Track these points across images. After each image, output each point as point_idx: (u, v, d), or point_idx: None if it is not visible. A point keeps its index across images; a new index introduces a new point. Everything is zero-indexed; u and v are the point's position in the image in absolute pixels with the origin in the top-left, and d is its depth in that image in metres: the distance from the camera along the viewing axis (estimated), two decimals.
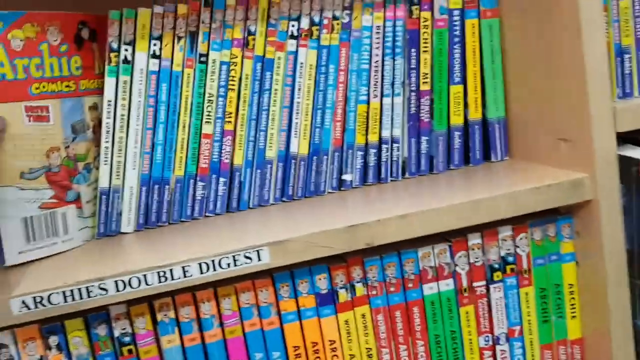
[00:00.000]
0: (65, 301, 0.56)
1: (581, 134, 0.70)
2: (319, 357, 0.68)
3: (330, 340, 0.68)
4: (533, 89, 0.77)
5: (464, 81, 0.81)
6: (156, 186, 0.73)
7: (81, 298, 0.56)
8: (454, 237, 0.71)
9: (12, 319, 0.55)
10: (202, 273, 0.59)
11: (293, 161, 0.77)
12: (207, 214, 0.75)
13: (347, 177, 0.79)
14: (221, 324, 0.65)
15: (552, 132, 0.75)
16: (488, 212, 0.67)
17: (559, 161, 0.74)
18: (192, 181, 0.74)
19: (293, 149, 0.77)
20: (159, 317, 0.63)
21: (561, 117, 0.73)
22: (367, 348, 0.69)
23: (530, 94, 0.78)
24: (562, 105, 0.72)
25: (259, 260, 0.61)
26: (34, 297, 0.55)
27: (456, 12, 0.79)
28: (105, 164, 0.71)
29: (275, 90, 0.75)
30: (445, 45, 0.79)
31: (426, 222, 0.65)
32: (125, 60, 0.70)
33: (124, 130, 0.71)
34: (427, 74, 0.79)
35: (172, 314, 0.64)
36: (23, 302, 0.55)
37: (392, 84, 0.79)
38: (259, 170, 0.76)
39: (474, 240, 0.71)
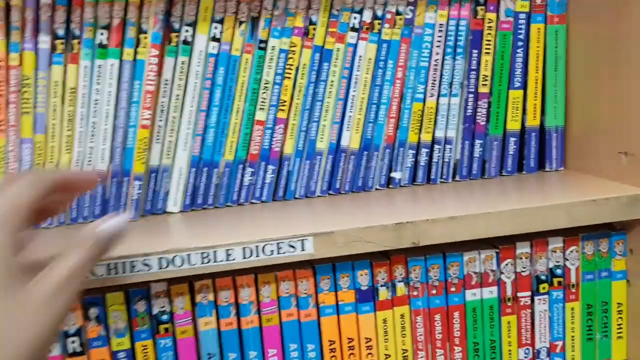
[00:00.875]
0: (109, 274, 0.56)
1: None
2: (353, 354, 0.67)
3: (366, 338, 0.67)
4: (596, 99, 0.75)
5: (524, 86, 0.79)
6: (205, 168, 0.73)
7: (124, 272, 0.57)
8: (502, 244, 0.69)
9: None
10: (244, 258, 0.59)
11: (343, 154, 0.76)
12: (253, 201, 0.75)
13: (396, 174, 0.78)
14: (259, 311, 0.65)
15: (613, 144, 0.72)
16: (540, 221, 0.65)
17: (618, 175, 0.71)
18: (241, 166, 0.74)
19: (344, 142, 0.76)
20: (198, 298, 0.63)
21: (624, 129, 0.70)
22: (403, 349, 0.68)
23: (593, 105, 0.76)
24: (626, 117, 0.70)
25: (303, 250, 0.60)
26: None
27: (522, 16, 0.77)
28: (157, 142, 0.72)
29: (332, 81, 0.75)
30: (509, 48, 0.78)
31: (476, 226, 0.64)
32: (185, 42, 0.71)
33: (178, 110, 0.72)
34: (487, 76, 0.78)
35: (211, 297, 0.64)
36: None
37: (450, 84, 0.77)
38: (308, 161, 0.75)
39: (523, 249, 0.70)
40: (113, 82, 0.69)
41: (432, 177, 0.79)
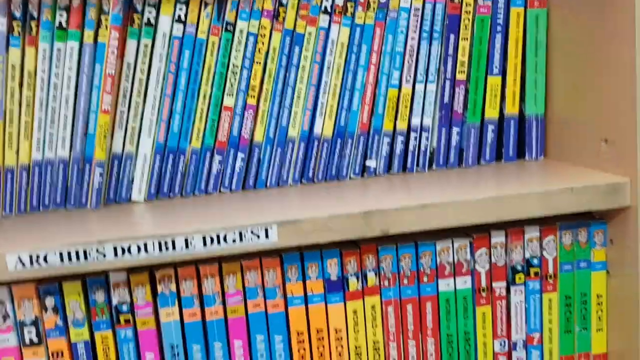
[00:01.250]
0: (62, 262, 0.54)
1: (625, 136, 0.65)
2: (322, 346, 0.65)
3: (336, 329, 0.65)
4: (576, 86, 0.73)
5: (503, 73, 0.77)
6: (171, 155, 0.71)
7: (78, 260, 0.54)
8: (477, 233, 0.67)
9: (7, 275, 0.54)
10: (205, 246, 0.57)
11: (316, 142, 0.74)
12: (221, 190, 0.73)
13: (371, 163, 0.76)
14: (223, 302, 0.63)
15: (594, 132, 0.70)
16: (516, 209, 0.63)
17: (599, 164, 0.69)
18: (208, 154, 0.72)
19: (317, 129, 0.74)
20: (160, 288, 0.61)
21: (605, 116, 0.68)
22: (374, 341, 0.66)
23: (573, 92, 0.74)
24: (606, 104, 0.68)
25: (267, 238, 0.58)
26: (30, 255, 0.54)
27: None
28: (120, 129, 0.69)
29: (303, 66, 0.72)
30: (487, 33, 0.75)
31: (448, 214, 0.61)
32: (148, 23, 0.68)
33: (141, 95, 0.69)
34: (464, 62, 0.76)
35: (173, 287, 0.61)
36: (19, 258, 0.54)
37: (427, 70, 0.75)
38: (279, 149, 0.73)
39: (498, 238, 0.68)
40: (73, 66, 0.67)
41: (408, 166, 0.76)
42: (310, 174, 0.75)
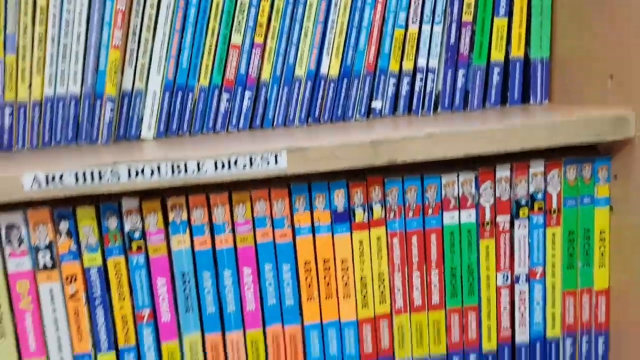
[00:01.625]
0: (77, 182, 0.55)
1: (631, 70, 0.66)
2: (329, 275, 0.66)
3: (342, 260, 0.66)
4: (582, 25, 0.73)
5: (509, 14, 0.77)
6: (179, 93, 0.72)
7: (92, 181, 0.55)
8: (483, 167, 0.68)
9: (23, 195, 0.55)
10: (216, 170, 0.58)
11: (322, 82, 0.75)
12: (229, 129, 0.74)
13: (376, 104, 0.76)
14: (233, 231, 0.64)
15: (600, 69, 0.71)
16: (522, 140, 0.64)
17: (604, 102, 0.70)
18: (216, 92, 0.73)
19: (324, 69, 0.74)
20: (171, 216, 0.62)
21: (611, 52, 0.69)
22: (379, 272, 0.67)
23: (579, 31, 0.74)
24: (613, 40, 0.68)
25: (276, 164, 0.59)
26: (46, 175, 0.55)
27: None
28: (130, 66, 0.70)
29: (311, 3, 0.73)
30: None
31: (455, 143, 0.62)
32: None
33: (151, 31, 0.70)
34: (470, 3, 0.76)
35: (184, 216, 0.63)
36: (35, 177, 0.55)
37: (433, 11, 0.75)
38: (286, 88, 0.74)
39: (503, 172, 0.68)
40: (84, 2, 0.68)
41: (414, 108, 0.77)
42: (317, 114, 0.75)
